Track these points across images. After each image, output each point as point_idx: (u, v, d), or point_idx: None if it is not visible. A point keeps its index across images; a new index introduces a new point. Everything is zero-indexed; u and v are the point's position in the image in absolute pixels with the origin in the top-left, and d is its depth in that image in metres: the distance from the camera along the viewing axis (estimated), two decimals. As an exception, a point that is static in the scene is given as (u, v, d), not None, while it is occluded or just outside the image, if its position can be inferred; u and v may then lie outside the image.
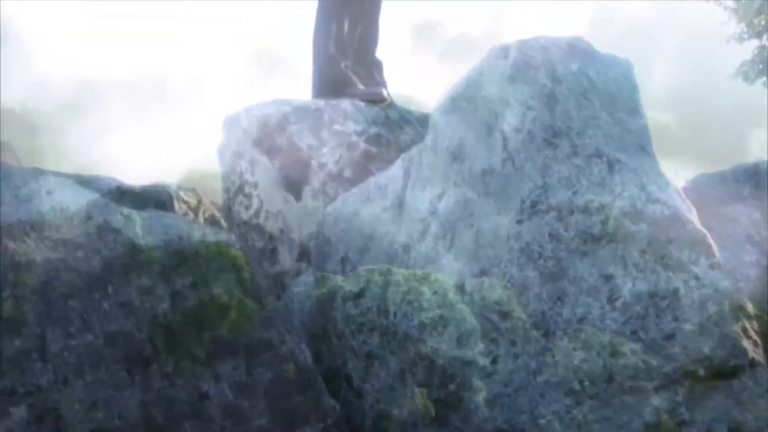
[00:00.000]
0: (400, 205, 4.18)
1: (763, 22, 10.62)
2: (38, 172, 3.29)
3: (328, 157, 5.39)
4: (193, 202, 5.77)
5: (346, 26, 6.00)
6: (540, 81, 3.51)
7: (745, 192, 4.25)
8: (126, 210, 3.21)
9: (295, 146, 5.44)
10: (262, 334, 3.16)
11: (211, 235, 3.27)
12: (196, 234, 3.22)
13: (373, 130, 5.40)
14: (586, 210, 3.21)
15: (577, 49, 3.69)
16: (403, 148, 5.47)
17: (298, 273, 5.37)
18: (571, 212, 3.24)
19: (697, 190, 4.42)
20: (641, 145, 3.46)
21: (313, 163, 5.40)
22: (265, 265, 5.62)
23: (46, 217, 3.06)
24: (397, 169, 4.14)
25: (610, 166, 3.25)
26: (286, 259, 5.67)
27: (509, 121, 3.43)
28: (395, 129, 5.50)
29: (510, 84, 3.50)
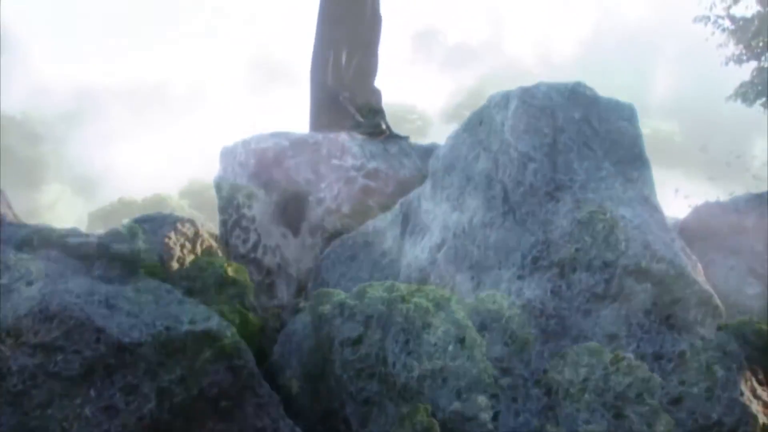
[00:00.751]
0: (398, 250, 4.09)
1: (761, 44, 10.54)
2: (19, 261, 3.06)
3: (326, 192, 5.29)
4: (190, 233, 5.67)
5: (343, 56, 5.91)
6: (541, 130, 3.42)
7: (747, 223, 4.17)
8: (111, 296, 3.01)
9: (292, 181, 5.35)
10: (255, 422, 3.05)
11: (201, 322, 3.09)
12: (185, 320, 3.05)
13: (372, 164, 5.30)
14: (589, 268, 3.11)
15: (580, 96, 3.61)
16: (402, 183, 5.38)
17: (296, 310, 5.28)
18: (574, 269, 3.15)
19: (699, 219, 4.33)
20: (645, 197, 3.37)
21: (311, 198, 5.30)
22: (262, 298, 5.52)
23: (24, 320, 2.85)
24: (395, 214, 4.05)
25: (614, 222, 3.15)
26: (283, 294, 5.56)
27: (510, 173, 3.33)
28: (394, 163, 5.40)
29: (511, 134, 3.41)
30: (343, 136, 5.48)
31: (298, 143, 5.44)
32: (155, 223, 5.82)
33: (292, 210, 5.44)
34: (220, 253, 5.57)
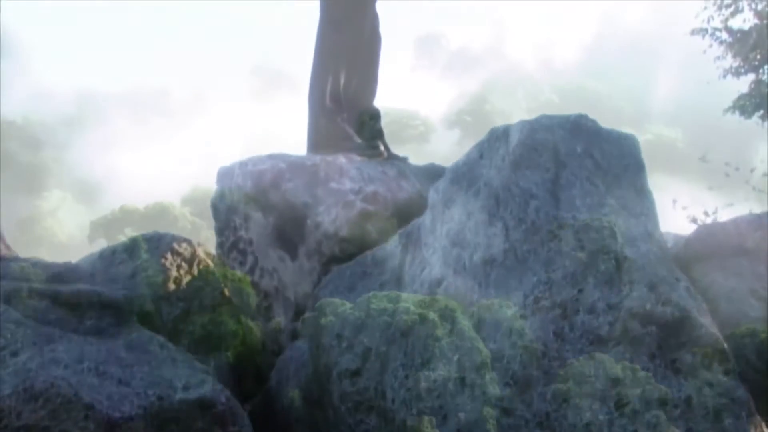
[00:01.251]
0: (398, 281, 4.01)
1: (759, 57, 10.47)
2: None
3: (324, 215, 5.21)
4: (187, 253, 5.59)
5: (342, 78, 5.83)
6: (543, 165, 3.34)
7: (748, 244, 4.08)
8: (101, 360, 2.86)
9: (290, 204, 5.27)
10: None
11: (195, 387, 2.97)
12: (179, 385, 2.93)
13: (370, 188, 5.22)
14: (592, 310, 3.02)
15: (582, 129, 3.52)
16: (400, 207, 5.30)
17: (294, 335, 5.21)
18: (577, 311, 3.06)
19: (701, 241, 4.25)
20: (649, 233, 3.28)
21: (309, 222, 5.22)
22: (259, 321, 5.46)
23: (7, 400, 2.67)
24: (395, 245, 3.97)
25: (618, 262, 3.06)
26: (281, 317, 5.50)
27: (511, 210, 3.25)
28: (392, 186, 5.32)
29: (512, 170, 3.32)
30: (341, 159, 5.40)
31: (295, 166, 5.37)
32: (151, 242, 5.76)
33: (289, 233, 5.37)
34: (216, 274, 5.51)
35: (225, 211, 5.64)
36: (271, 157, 5.52)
